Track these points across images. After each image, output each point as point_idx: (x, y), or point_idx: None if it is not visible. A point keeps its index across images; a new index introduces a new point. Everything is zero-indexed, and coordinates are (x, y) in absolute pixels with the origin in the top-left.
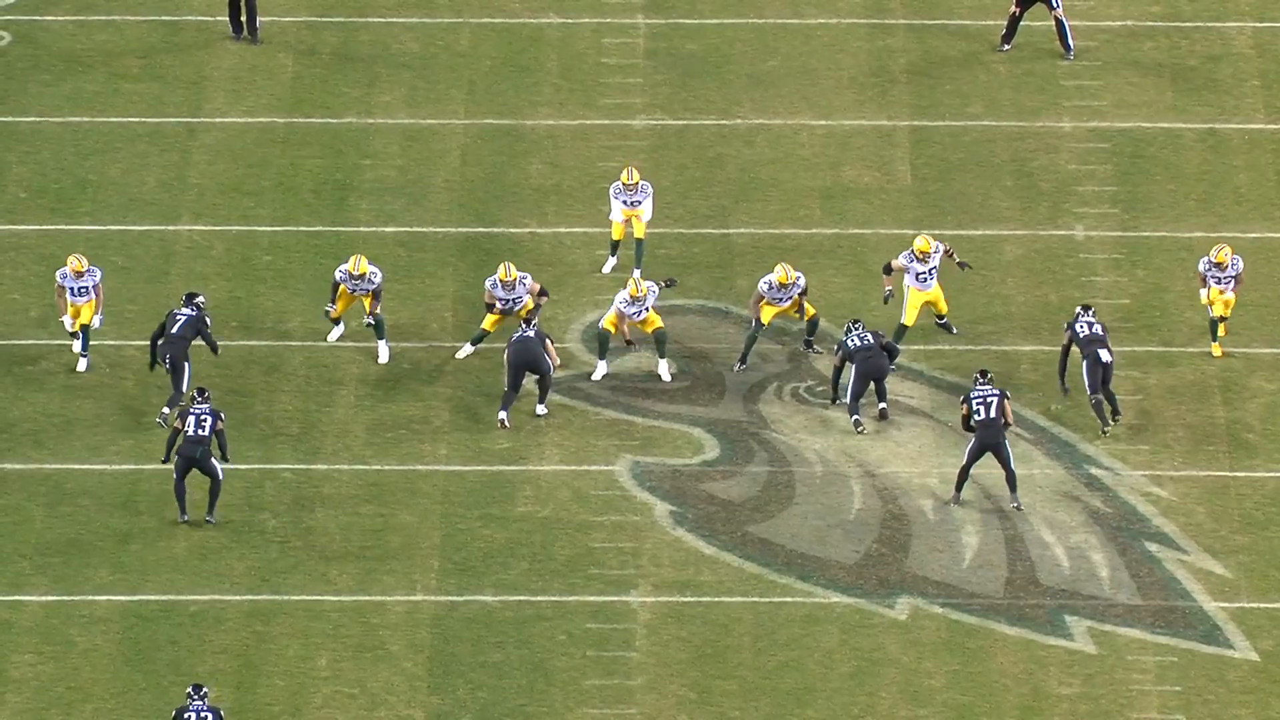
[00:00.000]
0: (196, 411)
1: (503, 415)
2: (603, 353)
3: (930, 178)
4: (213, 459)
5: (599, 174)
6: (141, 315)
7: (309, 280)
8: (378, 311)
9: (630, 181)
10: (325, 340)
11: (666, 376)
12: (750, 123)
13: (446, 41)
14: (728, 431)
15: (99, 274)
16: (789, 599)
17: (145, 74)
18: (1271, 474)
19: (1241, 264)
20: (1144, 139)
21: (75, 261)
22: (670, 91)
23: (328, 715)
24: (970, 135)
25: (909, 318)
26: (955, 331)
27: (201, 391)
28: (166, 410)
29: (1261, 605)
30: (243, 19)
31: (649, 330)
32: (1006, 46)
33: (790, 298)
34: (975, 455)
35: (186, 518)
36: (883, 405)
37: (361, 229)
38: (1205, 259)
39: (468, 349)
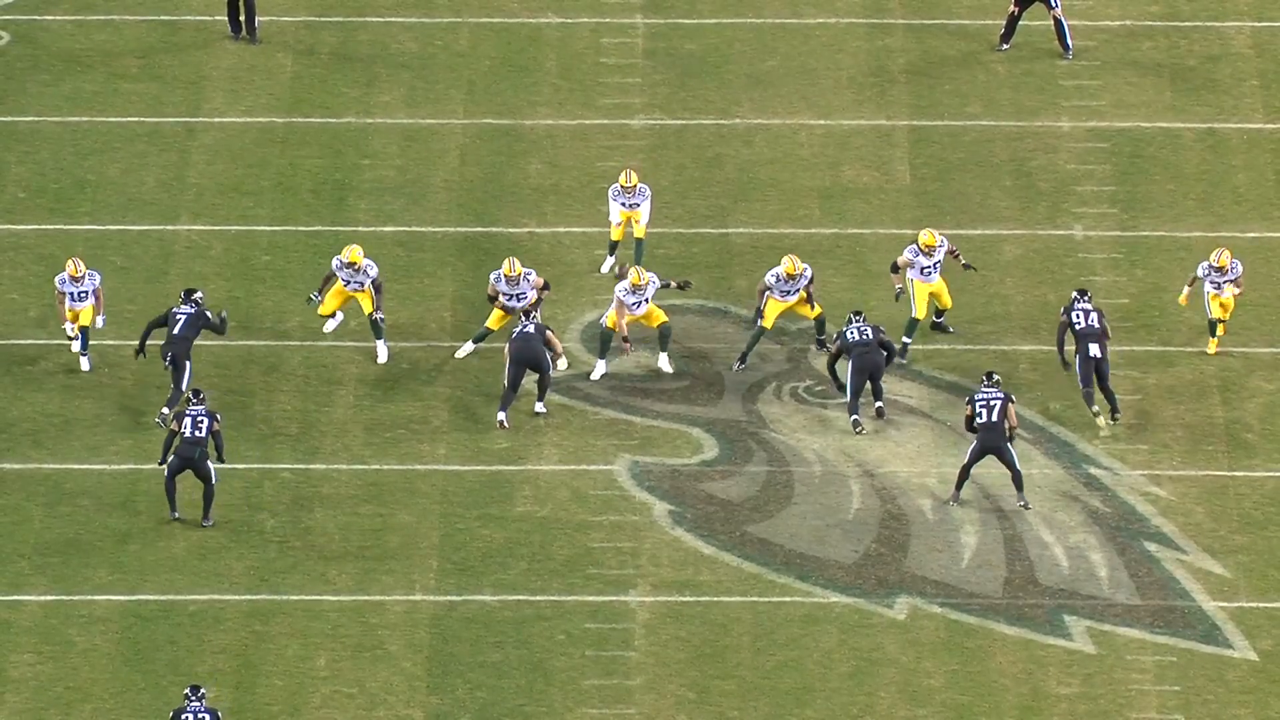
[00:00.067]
0: (193, 413)
1: (501, 416)
2: (603, 352)
3: (929, 177)
4: (208, 461)
5: (598, 174)
6: (141, 315)
7: (308, 280)
8: (379, 318)
9: (629, 184)
10: (324, 335)
11: (668, 369)
12: (749, 122)
13: (445, 41)
14: (727, 431)
15: (98, 277)
16: (788, 599)
17: (144, 74)
18: (1270, 474)
19: (1241, 268)
20: (1143, 139)
21: (72, 265)
22: (669, 91)
23: (326, 715)
24: (969, 135)
25: (919, 310)
26: (952, 331)
27: (197, 393)
28: (166, 410)
29: (1260, 605)
30: (241, 19)
31: (653, 325)
32: (1005, 46)
33: (797, 290)
34: (976, 457)
35: (177, 514)
36: (879, 404)
37: (360, 229)
38: (1205, 263)
39: (469, 347)
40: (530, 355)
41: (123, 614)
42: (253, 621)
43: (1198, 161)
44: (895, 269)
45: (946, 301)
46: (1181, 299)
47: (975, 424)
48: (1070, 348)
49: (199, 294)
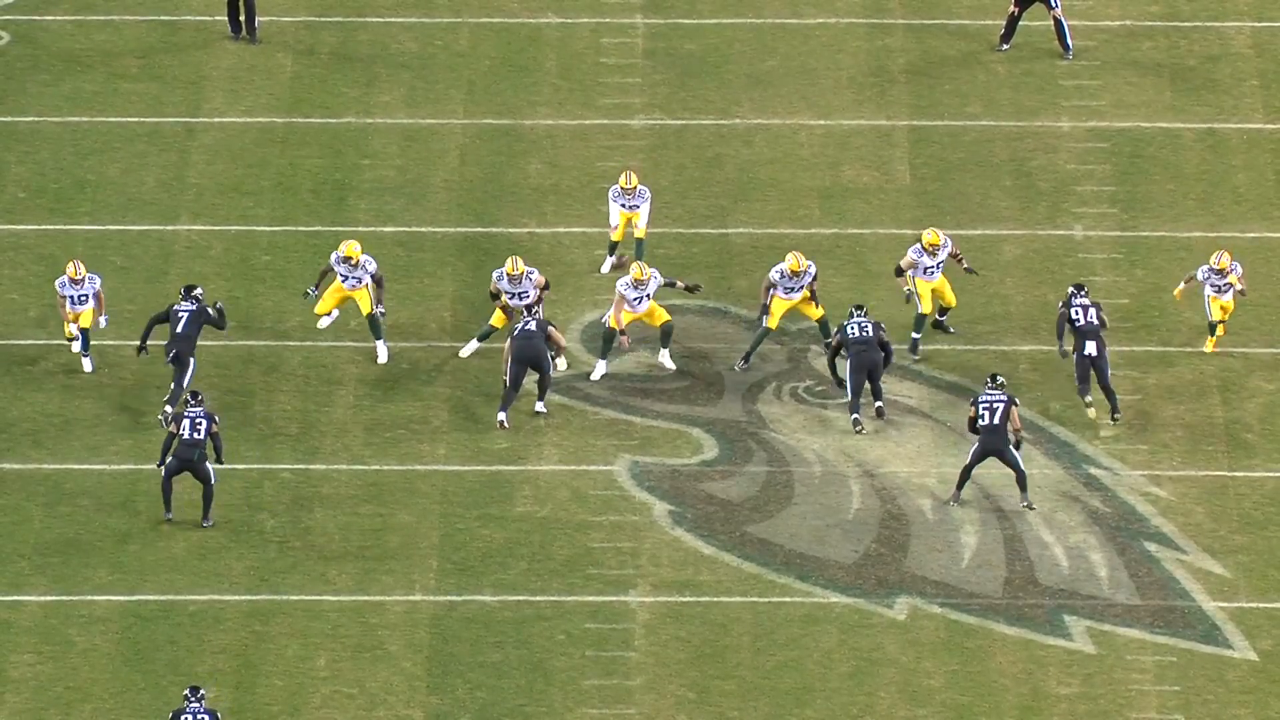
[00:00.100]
0: (191, 415)
1: (502, 416)
2: (604, 352)
3: (929, 178)
4: (207, 462)
5: (598, 174)
6: (141, 315)
7: (308, 280)
8: (381, 312)
9: (629, 186)
10: (325, 335)
11: (670, 365)
12: (749, 123)
13: (445, 41)
14: (726, 431)
15: (98, 281)
16: (788, 599)
17: (144, 74)
18: (1270, 474)
19: (1240, 269)
20: (1143, 139)
21: (72, 268)
22: (669, 91)
23: (326, 715)
24: (969, 135)
25: (926, 306)
26: (953, 331)
27: (195, 395)
28: (168, 408)
29: (1260, 605)
30: (241, 19)
31: (656, 324)
32: (1005, 46)
33: (802, 287)
34: (977, 459)
35: (171, 515)
36: (879, 404)
37: (360, 229)
38: (1205, 266)
39: (473, 345)
40: (531, 354)
41: (123, 614)
42: (253, 622)
43: (1198, 161)
44: (899, 272)
45: (950, 299)
46: (1176, 293)
47: (978, 426)
48: (1069, 347)
49: (199, 290)
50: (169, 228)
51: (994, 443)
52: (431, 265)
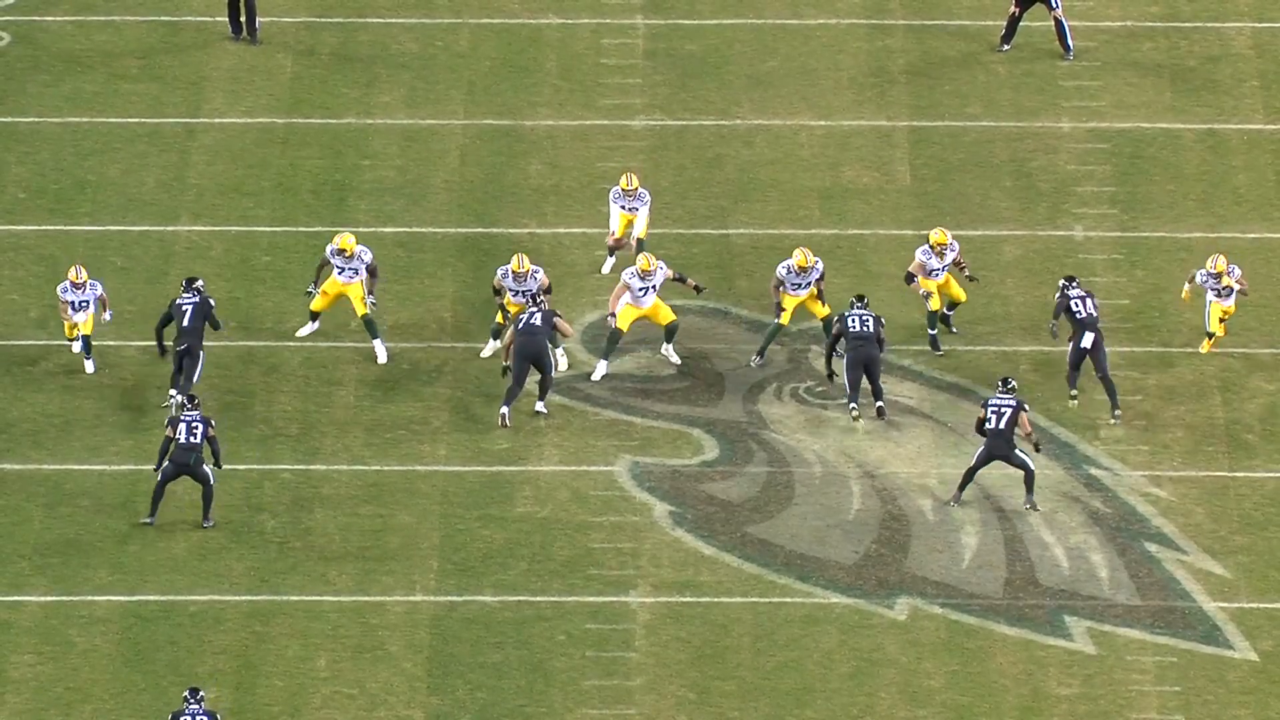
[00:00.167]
0: (187, 419)
1: (504, 410)
2: (607, 352)
3: (929, 178)
4: (204, 465)
5: (598, 174)
6: (141, 315)
7: (308, 281)
8: (372, 302)
9: (629, 188)
10: (324, 336)
11: (675, 360)
12: (749, 123)
13: (446, 42)
14: (727, 432)
15: (99, 287)
16: (788, 599)
17: (144, 74)
18: (1271, 474)
19: (1239, 271)
20: (1143, 139)
21: (74, 272)
22: (669, 92)
23: (327, 716)
24: (969, 136)
25: (934, 302)
26: (955, 331)
27: (191, 399)
28: (174, 394)
29: (1261, 605)
30: (242, 19)
31: (662, 323)
32: (1006, 47)
33: (809, 283)
34: (982, 462)
35: (152, 520)
36: (879, 404)
37: (361, 229)
38: (1203, 270)
39: (493, 345)
40: (533, 351)
41: (123, 614)
42: (253, 622)
43: (1198, 162)
44: (910, 279)
45: (958, 294)
46: (1184, 294)
47: (984, 428)
48: (1063, 333)
49: (200, 282)
50: (169, 228)
51: (999, 447)
52: (432, 266)
